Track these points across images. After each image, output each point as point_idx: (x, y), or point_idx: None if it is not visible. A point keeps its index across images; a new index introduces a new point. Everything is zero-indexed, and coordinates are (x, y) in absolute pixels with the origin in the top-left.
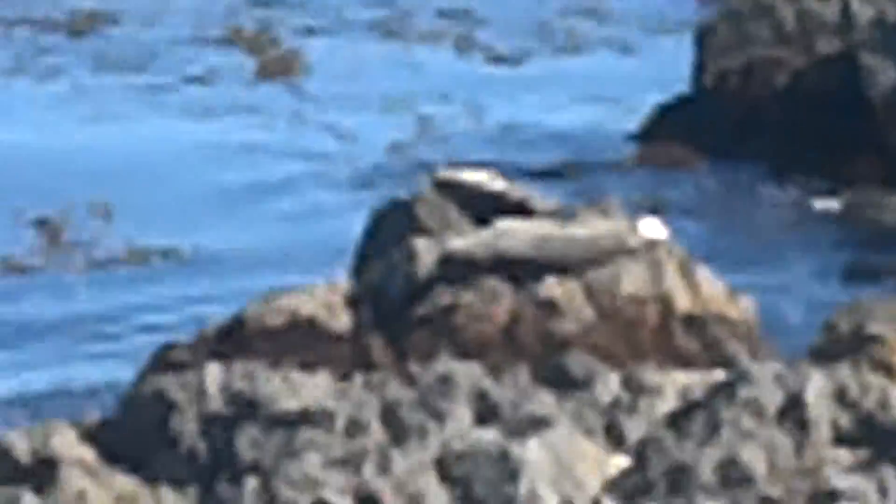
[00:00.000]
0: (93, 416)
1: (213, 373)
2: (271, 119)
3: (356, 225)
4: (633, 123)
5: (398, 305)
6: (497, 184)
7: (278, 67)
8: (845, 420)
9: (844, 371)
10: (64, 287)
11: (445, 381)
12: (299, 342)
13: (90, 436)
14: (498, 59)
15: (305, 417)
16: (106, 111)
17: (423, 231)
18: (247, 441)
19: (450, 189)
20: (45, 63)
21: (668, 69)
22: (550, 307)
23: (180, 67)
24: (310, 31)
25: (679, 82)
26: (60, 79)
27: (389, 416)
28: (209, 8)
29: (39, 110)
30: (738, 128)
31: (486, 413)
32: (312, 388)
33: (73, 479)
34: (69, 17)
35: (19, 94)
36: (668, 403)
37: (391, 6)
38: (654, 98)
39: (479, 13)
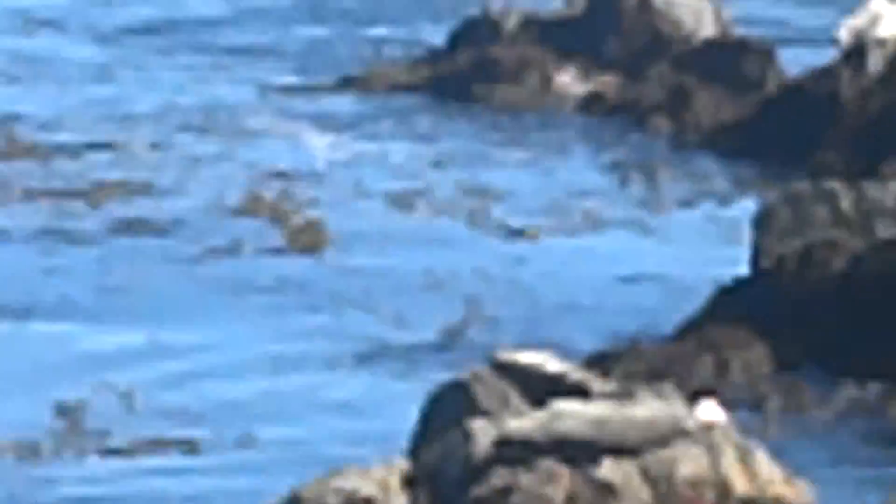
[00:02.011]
0: None
1: None
2: (308, 296)
3: (411, 407)
4: (682, 304)
5: (455, 486)
6: (554, 365)
7: (306, 239)
8: None
9: None
10: (82, 474)
11: None
12: None
13: None
14: (515, 234)
15: None
16: (133, 280)
17: (480, 412)
18: None
19: (507, 370)
20: (69, 230)
21: (690, 248)
22: (608, 489)
23: (205, 237)
24: (329, 202)
25: (708, 262)
26: (84, 247)
27: None
28: (230, 176)
29: (62, 279)
30: (796, 311)
31: None
32: None
33: None
34: (93, 186)
35: (39, 262)
36: None
37: (409, 178)
38: (691, 277)
39: (495, 189)
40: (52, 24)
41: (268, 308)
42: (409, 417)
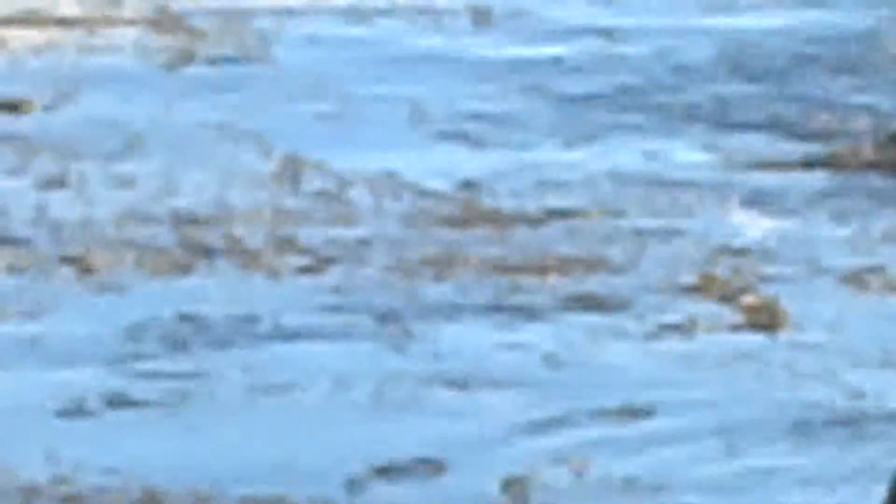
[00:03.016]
0: None
1: None
2: (761, 368)
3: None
4: None
5: None
6: None
7: (759, 317)
8: None
9: None
10: None
11: None
12: None
13: None
14: None
15: None
16: (585, 355)
17: None
18: None
19: None
20: (523, 303)
21: None
22: None
23: (657, 314)
24: (782, 280)
25: None
26: (531, 323)
27: None
28: (681, 252)
29: (512, 353)
30: None
31: None
32: None
33: None
34: (546, 259)
35: (490, 336)
36: None
37: (864, 256)
38: None
39: None
40: (521, 86)
41: (724, 380)
42: (866, 490)
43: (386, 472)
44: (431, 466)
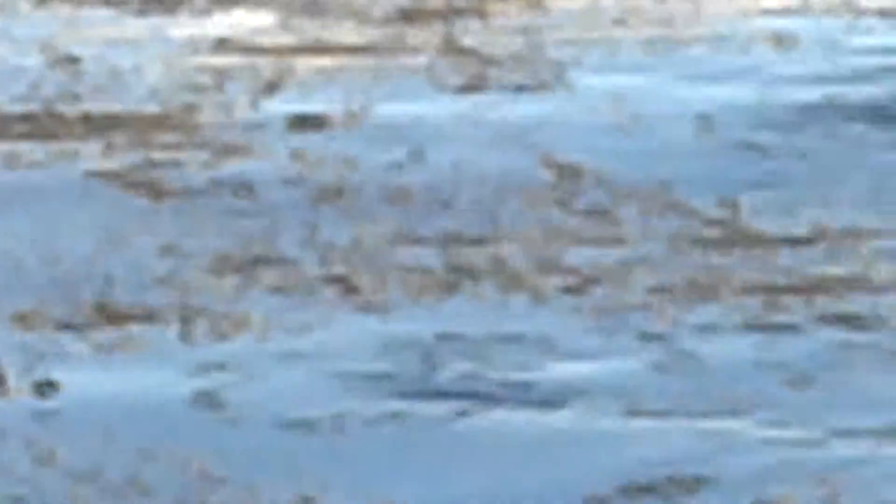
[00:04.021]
0: None
1: None
2: None
3: None
4: None
5: None
6: None
7: None
8: None
9: None
10: None
11: None
12: None
13: None
14: None
15: None
16: (833, 373)
17: None
18: None
19: None
20: (779, 323)
21: None
22: None
23: None
24: None
25: None
26: (788, 341)
27: None
28: None
29: (764, 372)
30: None
31: None
32: None
33: None
34: (805, 279)
35: (747, 355)
36: None
37: None
38: None
39: None
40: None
41: None
42: None
43: (631, 490)
44: (683, 486)
